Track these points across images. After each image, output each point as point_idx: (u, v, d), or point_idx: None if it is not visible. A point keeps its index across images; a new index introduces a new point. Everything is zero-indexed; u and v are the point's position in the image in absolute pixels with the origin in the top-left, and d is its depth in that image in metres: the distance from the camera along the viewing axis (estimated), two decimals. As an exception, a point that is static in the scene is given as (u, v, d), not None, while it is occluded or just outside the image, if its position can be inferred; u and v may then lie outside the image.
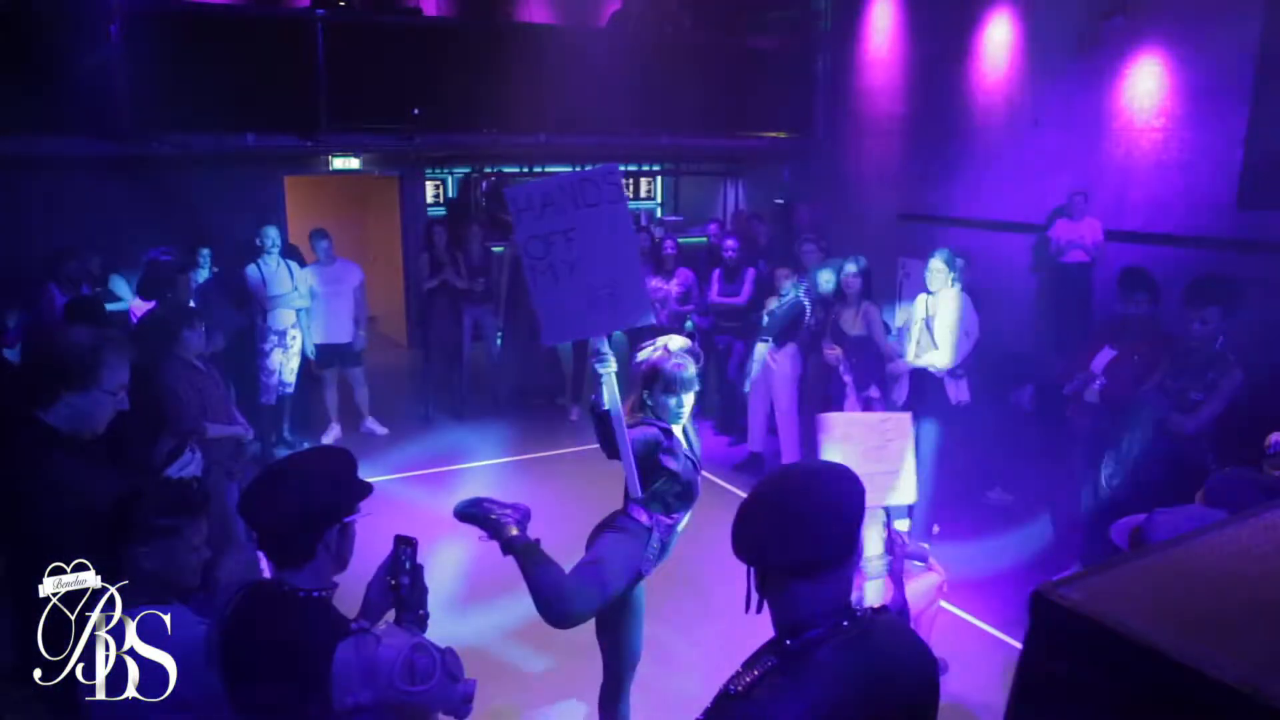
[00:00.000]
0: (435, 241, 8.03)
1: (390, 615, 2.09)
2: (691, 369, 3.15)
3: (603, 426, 3.00)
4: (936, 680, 1.74)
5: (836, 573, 1.63)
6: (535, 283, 2.92)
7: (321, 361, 7.54)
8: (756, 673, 1.58)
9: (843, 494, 1.64)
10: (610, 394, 2.93)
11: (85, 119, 7.49)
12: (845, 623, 1.62)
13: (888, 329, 6.20)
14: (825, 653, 1.59)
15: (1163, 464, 4.42)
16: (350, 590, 2.12)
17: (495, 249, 8.70)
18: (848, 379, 6.00)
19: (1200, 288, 4.48)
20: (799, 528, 1.60)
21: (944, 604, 4.34)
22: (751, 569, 1.66)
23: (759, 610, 1.66)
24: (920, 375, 5.80)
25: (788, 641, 1.61)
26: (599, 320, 2.97)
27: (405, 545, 2.11)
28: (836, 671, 1.57)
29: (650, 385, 3.15)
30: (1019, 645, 1.23)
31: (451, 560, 5.09)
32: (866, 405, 5.92)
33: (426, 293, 8.05)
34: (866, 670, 1.61)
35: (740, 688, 1.57)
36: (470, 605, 4.73)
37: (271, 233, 7.26)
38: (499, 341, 8.61)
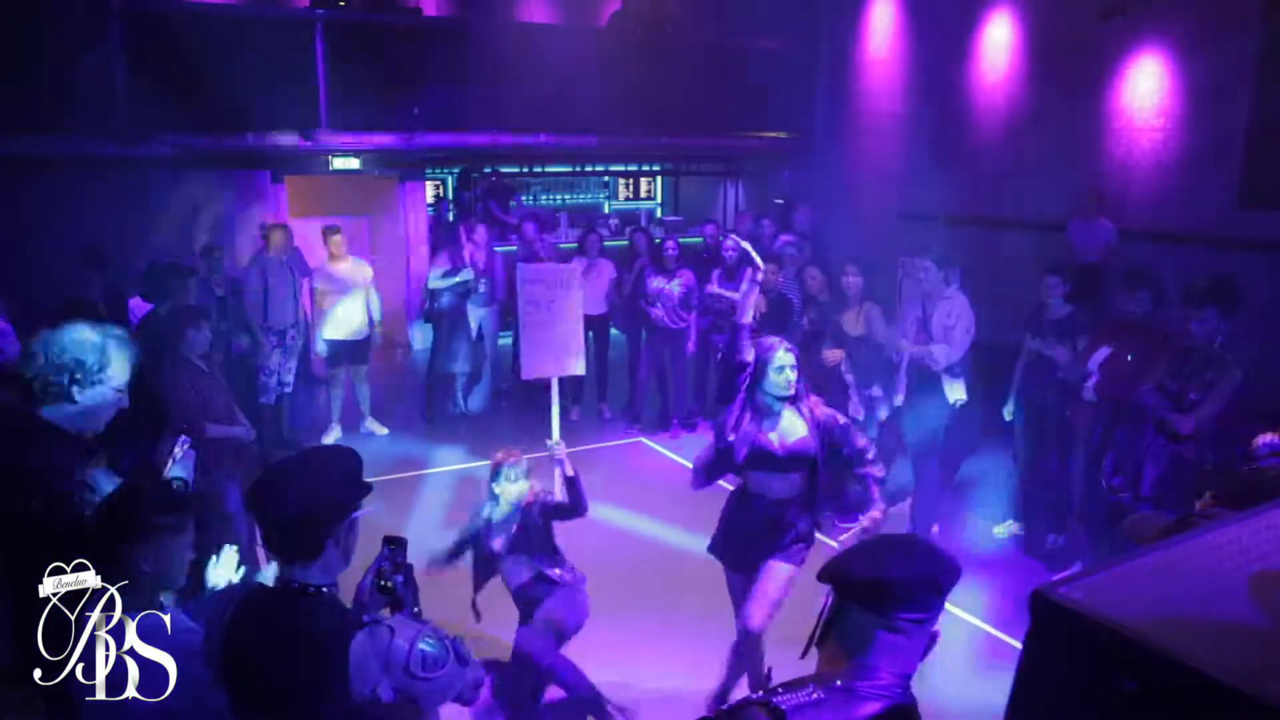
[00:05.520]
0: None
1: (384, 614, 2.10)
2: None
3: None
4: None
5: (912, 631, 1.50)
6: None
7: (332, 359, 7.53)
8: (802, 697, 1.43)
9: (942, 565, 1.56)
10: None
11: (85, 119, 7.49)
12: (903, 702, 1.47)
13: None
14: (871, 708, 1.44)
15: (1162, 463, 4.43)
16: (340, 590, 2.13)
17: (500, 249, 8.69)
18: (849, 378, 6.00)
19: (1199, 288, 4.48)
20: (891, 552, 1.55)
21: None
22: (828, 599, 1.55)
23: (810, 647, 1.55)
24: (918, 375, 5.77)
25: (838, 682, 1.45)
26: None
27: (394, 545, 2.14)
28: None
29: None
30: (1019, 645, 1.23)
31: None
32: (869, 403, 5.93)
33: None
34: None
35: (775, 702, 1.43)
36: (465, 603, 4.72)
37: (273, 233, 7.24)
38: (499, 342, 8.59)
